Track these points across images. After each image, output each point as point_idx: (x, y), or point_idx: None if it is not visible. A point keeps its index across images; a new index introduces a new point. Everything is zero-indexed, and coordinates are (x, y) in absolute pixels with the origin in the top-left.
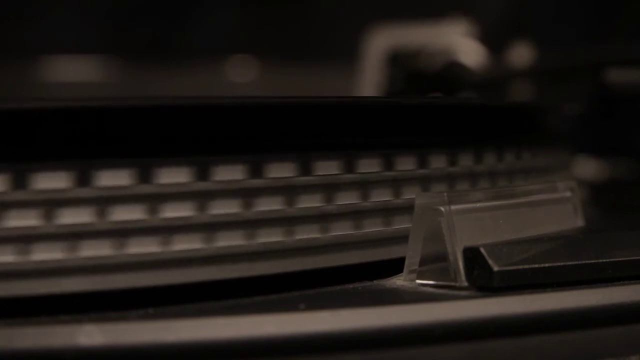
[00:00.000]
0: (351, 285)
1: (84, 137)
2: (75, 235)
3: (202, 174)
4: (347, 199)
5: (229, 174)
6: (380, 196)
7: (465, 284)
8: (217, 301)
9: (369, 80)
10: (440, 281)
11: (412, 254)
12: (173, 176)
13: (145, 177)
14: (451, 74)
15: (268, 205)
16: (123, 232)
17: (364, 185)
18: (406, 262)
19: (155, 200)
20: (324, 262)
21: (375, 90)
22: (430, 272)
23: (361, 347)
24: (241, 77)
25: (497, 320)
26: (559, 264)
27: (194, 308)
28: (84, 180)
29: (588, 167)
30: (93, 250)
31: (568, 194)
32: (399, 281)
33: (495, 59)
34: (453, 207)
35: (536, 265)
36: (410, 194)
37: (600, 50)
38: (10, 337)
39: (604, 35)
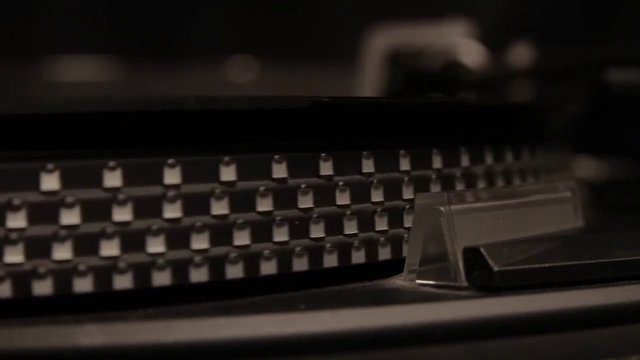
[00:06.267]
0: (351, 285)
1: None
2: (79, 237)
3: (205, 175)
4: (348, 200)
5: (237, 174)
6: (381, 196)
7: (465, 284)
8: (217, 301)
9: (369, 80)
10: (440, 281)
11: (412, 254)
12: (177, 177)
13: (146, 178)
14: (451, 74)
15: (268, 207)
16: (126, 235)
17: (367, 186)
18: (406, 262)
19: (159, 202)
20: (325, 263)
21: (375, 90)
22: (430, 272)
23: (361, 347)
24: (241, 77)
25: (497, 320)
26: (559, 264)
27: (193, 308)
28: (86, 181)
29: (588, 167)
30: (97, 251)
31: (568, 194)
32: (399, 281)
33: (495, 59)
34: (453, 207)
35: (536, 265)
36: (410, 194)
37: (600, 50)
38: (10, 337)
39: (604, 35)
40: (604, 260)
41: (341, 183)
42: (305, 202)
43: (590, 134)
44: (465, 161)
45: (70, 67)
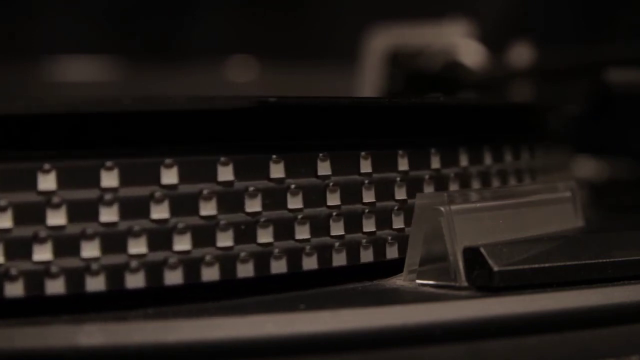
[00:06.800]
0: (351, 285)
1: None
2: (11, 241)
3: (145, 178)
4: (300, 204)
5: (236, 173)
6: (337, 200)
7: (465, 284)
8: (217, 301)
9: (369, 80)
10: (440, 281)
11: (412, 253)
12: (115, 179)
13: (144, 179)
14: (451, 74)
15: (212, 211)
16: (59, 239)
17: (365, 186)
18: (406, 262)
19: (95, 206)
20: (272, 269)
21: (375, 90)
22: (430, 272)
23: (361, 347)
24: (241, 77)
25: (497, 320)
26: (559, 264)
27: (194, 308)
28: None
29: (588, 167)
30: (94, 251)
31: (568, 194)
32: (399, 281)
33: (495, 59)
34: (453, 207)
35: (536, 265)
36: (371, 197)
37: (600, 50)
38: (10, 337)
39: (604, 35)
40: (604, 260)
41: (293, 186)
42: (253, 205)
43: (590, 134)
44: (465, 161)
45: (70, 67)
